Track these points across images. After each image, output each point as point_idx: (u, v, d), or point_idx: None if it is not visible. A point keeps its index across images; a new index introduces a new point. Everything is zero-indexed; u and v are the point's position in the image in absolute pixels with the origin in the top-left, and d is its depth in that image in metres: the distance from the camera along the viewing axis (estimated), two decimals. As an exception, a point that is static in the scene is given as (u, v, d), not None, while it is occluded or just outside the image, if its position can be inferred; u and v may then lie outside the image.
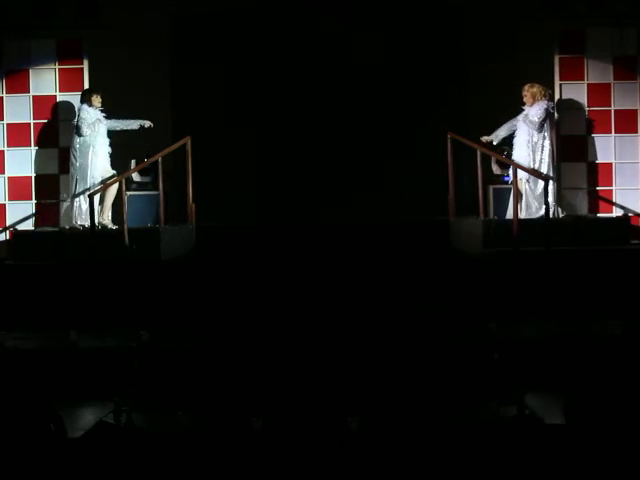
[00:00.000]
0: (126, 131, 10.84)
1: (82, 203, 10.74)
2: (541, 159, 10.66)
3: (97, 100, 10.79)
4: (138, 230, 10.23)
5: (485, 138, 10.82)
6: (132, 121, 10.84)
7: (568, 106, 11.50)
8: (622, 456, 5.23)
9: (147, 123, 10.83)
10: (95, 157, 10.75)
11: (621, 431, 5.26)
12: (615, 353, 7.42)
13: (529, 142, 10.69)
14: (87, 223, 10.53)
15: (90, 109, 10.76)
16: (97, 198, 10.27)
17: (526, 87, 10.71)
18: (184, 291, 9.40)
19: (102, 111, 10.81)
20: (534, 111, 10.66)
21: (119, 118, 10.86)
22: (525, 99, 10.70)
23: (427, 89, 11.66)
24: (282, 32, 11.80)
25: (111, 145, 10.87)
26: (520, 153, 10.75)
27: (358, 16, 11.75)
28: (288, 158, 11.69)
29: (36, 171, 11.55)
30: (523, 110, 10.73)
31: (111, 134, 10.87)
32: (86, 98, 10.82)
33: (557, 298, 9.11)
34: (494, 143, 10.85)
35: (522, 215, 10.46)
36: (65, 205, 11.06)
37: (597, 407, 5.36)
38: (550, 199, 10.26)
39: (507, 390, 6.86)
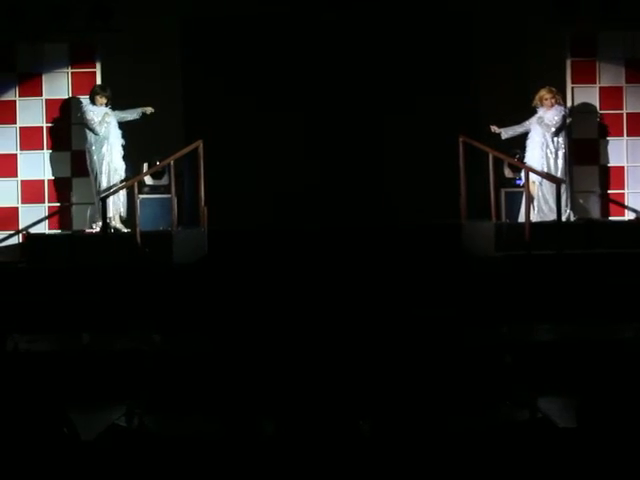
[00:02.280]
0: (132, 122, 10.91)
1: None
2: (556, 164, 10.66)
3: (100, 102, 10.84)
4: (150, 233, 10.26)
5: (494, 128, 10.83)
6: (132, 110, 10.90)
7: (580, 109, 11.49)
8: (635, 460, 5.21)
9: (148, 110, 10.88)
10: (112, 148, 10.83)
11: (634, 435, 5.25)
12: (628, 357, 7.39)
13: (543, 144, 10.69)
14: (112, 223, 10.61)
15: (94, 107, 10.83)
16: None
17: (545, 91, 10.66)
18: (196, 294, 9.40)
19: (106, 105, 10.89)
20: (551, 115, 10.65)
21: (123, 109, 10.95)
22: (545, 102, 10.66)
23: (439, 93, 11.65)
24: (293, 34, 11.82)
25: (124, 137, 10.93)
26: (533, 155, 10.75)
27: (369, 21, 11.76)
28: (301, 161, 11.69)
29: (49, 174, 11.59)
30: (537, 113, 10.73)
31: (124, 130, 10.93)
32: (91, 97, 10.90)
33: (569, 301, 9.08)
34: (502, 137, 10.85)
35: (534, 218, 10.45)
36: (94, 205, 10.98)
37: (610, 411, 5.35)
38: (562, 202, 10.25)
39: (519, 393, 6.84)
